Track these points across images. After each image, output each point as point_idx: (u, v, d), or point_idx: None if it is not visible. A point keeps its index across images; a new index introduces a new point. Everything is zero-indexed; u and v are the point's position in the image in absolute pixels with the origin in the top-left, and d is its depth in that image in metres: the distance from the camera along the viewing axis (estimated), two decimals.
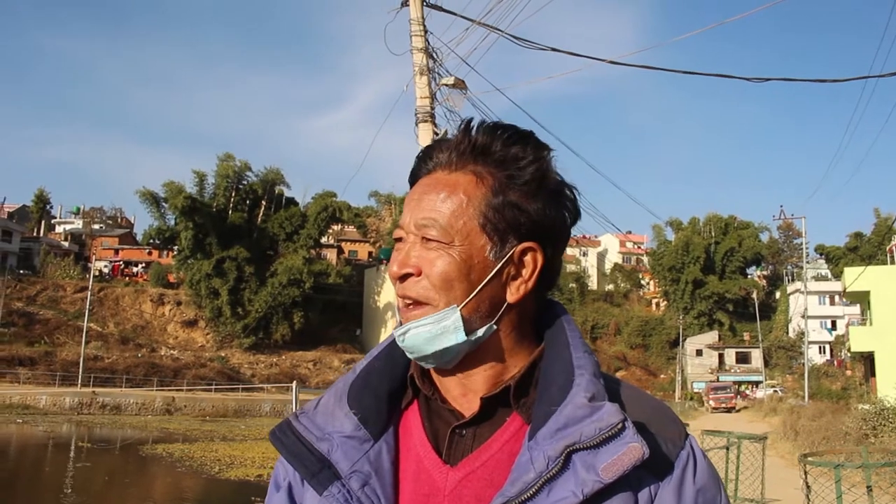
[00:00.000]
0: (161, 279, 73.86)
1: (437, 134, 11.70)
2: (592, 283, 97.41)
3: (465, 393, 1.11)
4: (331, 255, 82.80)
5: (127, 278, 78.11)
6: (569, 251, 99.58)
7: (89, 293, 58.44)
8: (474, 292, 1.06)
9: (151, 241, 75.92)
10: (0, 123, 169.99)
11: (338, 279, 74.13)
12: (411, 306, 1.08)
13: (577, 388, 1.04)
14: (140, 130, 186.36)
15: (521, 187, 1.08)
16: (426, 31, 11.81)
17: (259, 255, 68.26)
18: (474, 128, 1.12)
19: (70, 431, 37.55)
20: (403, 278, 1.08)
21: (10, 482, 22.83)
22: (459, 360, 1.09)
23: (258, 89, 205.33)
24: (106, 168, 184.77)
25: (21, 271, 72.77)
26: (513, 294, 1.09)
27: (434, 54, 11.88)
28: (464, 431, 1.09)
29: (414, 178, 1.16)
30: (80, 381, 50.58)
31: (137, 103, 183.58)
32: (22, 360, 54.06)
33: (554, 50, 11.92)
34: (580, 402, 1.02)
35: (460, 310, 1.05)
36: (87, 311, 56.52)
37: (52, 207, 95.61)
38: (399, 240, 1.11)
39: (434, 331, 1.05)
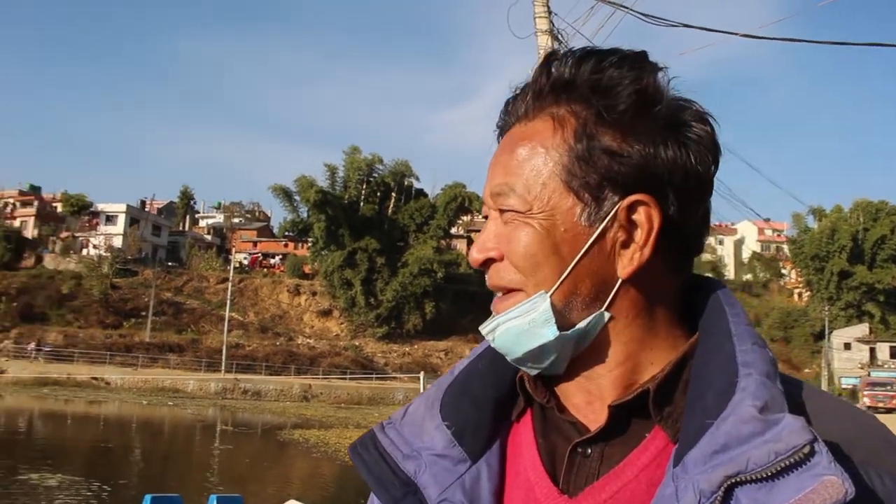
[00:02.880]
0: (297, 270, 76.21)
1: None
2: (729, 273, 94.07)
3: (590, 400, 0.83)
4: (461, 245, 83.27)
5: (265, 270, 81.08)
6: None
7: (230, 284, 61.04)
8: (567, 271, 0.79)
9: (287, 233, 78.54)
10: (148, 125, 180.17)
11: (468, 269, 74.47)
12: (501, 297, 0.83)
13: (741, 393, 0.72)
14: (275, 127, 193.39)
15: (615, 123, 0.79)
16: (550, 13, 11.63)
17: (390, 245, 69.44)
18: (556, 60, 0.83)
19: (215, 415, 39.50)
20: (486, 265, 0.84)
21: (163, 460, 24.27)
22: (573, 361, 0.82)
23: (388, 84, 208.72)
24: (244, 164, 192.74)
25: (169, 263, 76.78)
26: (625, 266, 0.79)
27: (559, 36, 11.68)
28: (588, 450, 0.81)
29: (499, 137, 0.89)
30: (223, 367, 53.06)
31: (272, 102, 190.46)
32: (171, 346, 57.16)
33: (685, 26, 11.45)
34: (746, 415, 0.70)
35: (550, 296, 0.79)
36: (228, 302, 59.02)
37: (195, 203, 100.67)
38: (485, 217, 0.86)
39: (522, 325, 0.80)
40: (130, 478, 20.36)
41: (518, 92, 0.86)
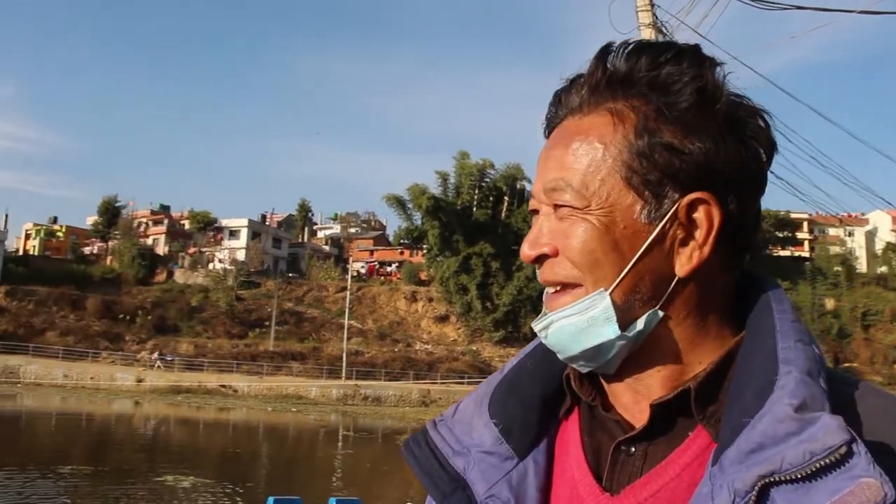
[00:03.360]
0: (413, 277, 77.19)
1: None
2: (861, 266, 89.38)
3: (637, 399, 0.82)
4: None
5: (382, 277, 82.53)
6: (832, 231, 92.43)
7: (348, 293, 62.53)
8: (626, 268, 0.78)
9: (402, 241, 79.64)
10: (266, 141, 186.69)
11: None
12: (555, 293, 0.82)
13: (779, 391, 0.71)
14: (387, 137, 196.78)
15: (676, 120, 0.77)
16: (653, 5, 11.40)
17: (504, 249, 69.37)
18: (612, 53, 0.82)
19: (337, 421, 40.50)
20: (539, 261, 0.82)
21: (288, 464, 25.00)
22: (623, 361, 0.81)
23: (496, 88, 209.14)
24: (358, 175, 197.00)
25: (290, 274, 79.18)
26: (683, 265, 0.78)
27: (662, 28, 11.44)
28: (632, 448, 0.81)
29: (545, 129, 0.88)
30: (343, 374, 54.34)
31: (382, 112, 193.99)
32: (294, 354, 58.94)
33: (798, 8, 11.03)
34: (782, 413, 0.69)
35: (610, 294, 0.78)
36: (347, 310, 60.46)
37: (313, 215, 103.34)
38: (534, 212, 0.85)
39: (580, 323, 0.78)
40: (257, 481, 21.14)
41: (569, 84, 0.85)
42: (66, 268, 73.49)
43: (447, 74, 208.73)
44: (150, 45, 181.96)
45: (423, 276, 76.76)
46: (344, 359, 55.45)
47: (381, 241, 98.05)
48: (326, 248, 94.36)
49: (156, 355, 55.76)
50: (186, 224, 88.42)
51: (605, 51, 0.82)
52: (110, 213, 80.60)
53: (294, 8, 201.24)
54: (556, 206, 0.81)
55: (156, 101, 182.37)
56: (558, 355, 0.82)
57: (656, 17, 11.54)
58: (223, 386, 50.49)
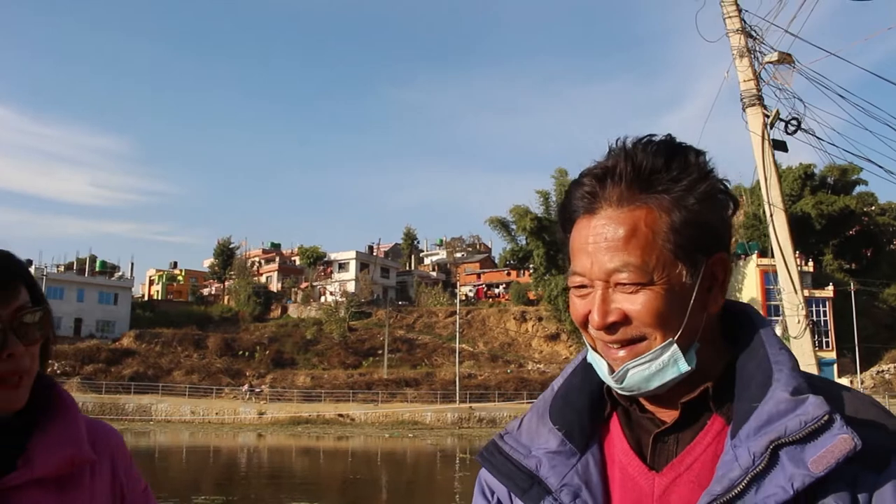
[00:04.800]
0: (521, 297, 77.10)
1: (766, 117, 11.12)
2: None
3: (664, 402, 1.10)
4: None
5: (490, 300, 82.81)
6: None
7: (458, 317, 62.96)
8: (685, 320, 1.04)
9: (508, 262, 79.83)
10: (370, 173, 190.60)
11: None
12: (620, 347, 1.07)
13: (777, 383, 1.02)
14: (484, 160, 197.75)
15: (697, 204, 1.05)
16: (740, 10, 11.29)
17: None
18: (628, 153, 1.08)
19: (453, 444, 40.72)
20: (610, 328, 1.06)
21: (408, 488, 25.37)
22: None
23: (592, 101, 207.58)
24: (461, 199, 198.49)
25: (400, 302, 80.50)
26: (713, 305, 1.08)
27: (752, 32, 11.29)
28: (666, 438, 1.10)
29: (570, 210, 1.12)
30: (457, 397, 54.57)
31: (479, 135, 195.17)
32: (408, 381, 59.60)
33: None
34: (781, 397, 1.00)
35: (676, 341, 1.04)
36: (457, 334, 60.86)
37: (418, 242, 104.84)
38: (581, 286, 1.09)
39: (654, 367, 1.04)
40: None
41: (601, 178, 1.08)
42: (187, 310, 76.96)
43: (541, 93, 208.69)
44: (252, 93, 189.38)
45: (531, 295, 76.54)
46: (457, 382, 55.75)
47: (488, 263, 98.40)
48: (434, 274, 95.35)
49: (246, 387, 57.92)
50: (297, 260, 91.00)
51: (628, 152, 1.08)
52: (225, 254, 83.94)
53: (385, 36, 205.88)
54: (615, 284, 1.05)
55: (260, 147, 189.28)
56: (628, 393, 1.08)
57: (744, 22, 11.43)
58: (340, 415, 51.55)
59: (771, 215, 10.87)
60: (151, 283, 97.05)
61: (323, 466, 32.51)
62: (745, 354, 1.10)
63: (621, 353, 1.07)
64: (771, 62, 11.24)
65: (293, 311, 76.77)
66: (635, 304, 1.04)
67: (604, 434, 1.17)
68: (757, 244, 61.51)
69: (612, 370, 1.08)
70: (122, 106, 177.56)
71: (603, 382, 1.14)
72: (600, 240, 1.06)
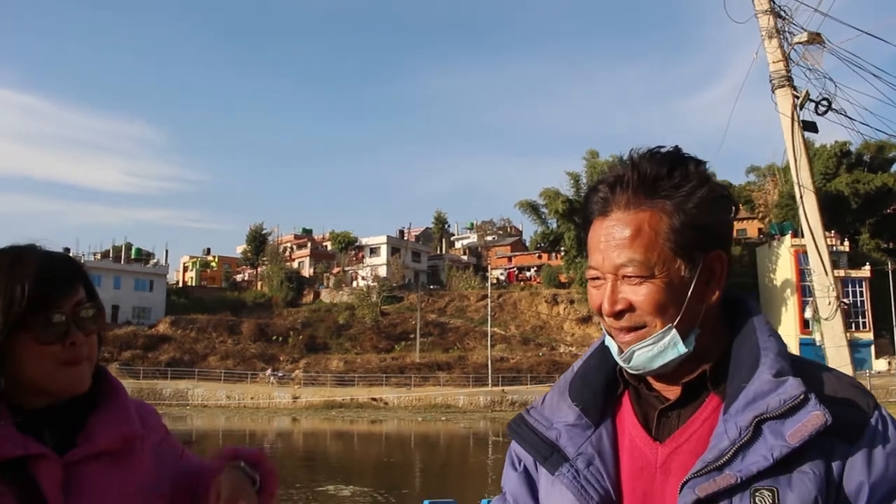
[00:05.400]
0: (553, 280, 76.88)
1: (796, 98, 11.03)
2: None
3: (670, 381, 1.25)
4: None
5: (521, 283, 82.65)
6: None
7: (489, 300, 63.05)
8: (682, 309, 1.19)
9: (539, 245, 79.53)
10: (398, 158, 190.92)
11: (737, 262, 71.41)
12: (626, 332, 1.22)
13: (763, 366, 1.18)
14: (514, 143, 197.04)
15: (695, 208, 1.20)
16: None
17: None
18: (635, 163, 1.24)
19: (486, 427, 40.94)
20: (618, 315, 1.22)
21: (441, 471, 25.62)
22: None
23: (622, 82, 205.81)
24: (491, 183, 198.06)
25: (431, 286, 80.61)
26: (710, 297, 1.23)
27: (781, 12, 11.17)
28: (669, 413, 1.25)
29: (588, 213, 1.28)
30: (489, 381, 54.80)
31: (508, 119, 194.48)
32: (440, 365, 59.88)
33: None
34: (766, 379, 1.16)
35: (675, 327, 1.19)
36: (489, 317, 60.99)
37: (449, 226, 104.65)
38: (595, 278, 1.26)
39: (656, 350, 1.20)
40: (412, 487, 21.83)
41: (612, 186, 1.24)
42: (221, 296, 77.81)
43: (571, 75, 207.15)
44: (283, 78, 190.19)
45: (563, 278, 76.31)
46: (489, 366, 55.93)
47: (519, 246, 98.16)
48: (465, 257, 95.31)
49: (269, 372, 58.66)
50: (328, 245, 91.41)
51: (634, 161, 1.23)
52: (257, 240, 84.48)
53: (415, 21, 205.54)
54: (626, 276, 1.21)
55: (290, 133, 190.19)
56: (636, 372, 1.24)
57: (773, 2, 11.31)
58: (373, 399, 52.04)
59: (801, 196, 10.80)
60: (185, 269, 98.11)
61: (357, 450, 32.92)
62: (739, 340, 1.24)
63: (628, 337, 1.22)
64: (800, 43, 11.11)
65: (325, 296, 77.31)
66: (639, 294, 1.20)
67: (616, 410, 1.32)
68: (790, 224, 60.66)
69: (621, 351, 1.24)
70: (155, 94, 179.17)
71: (617, 364, 1.30)
72: (610, 239, 1.22)
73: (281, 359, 62.36)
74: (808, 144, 11.45)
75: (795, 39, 11.14)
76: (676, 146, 1.26)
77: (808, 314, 52.45)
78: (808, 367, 1.23)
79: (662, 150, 1.24)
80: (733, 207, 1.26)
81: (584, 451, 1.27)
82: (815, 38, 11.08)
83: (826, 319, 10.49)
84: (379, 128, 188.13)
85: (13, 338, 1.40)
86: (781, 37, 11.15)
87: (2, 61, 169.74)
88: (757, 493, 1.11)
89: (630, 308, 1.21)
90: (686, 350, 1.20)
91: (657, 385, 1.27)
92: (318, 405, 50.69)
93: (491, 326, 60.67)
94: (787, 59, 11.14)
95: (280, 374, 58.52)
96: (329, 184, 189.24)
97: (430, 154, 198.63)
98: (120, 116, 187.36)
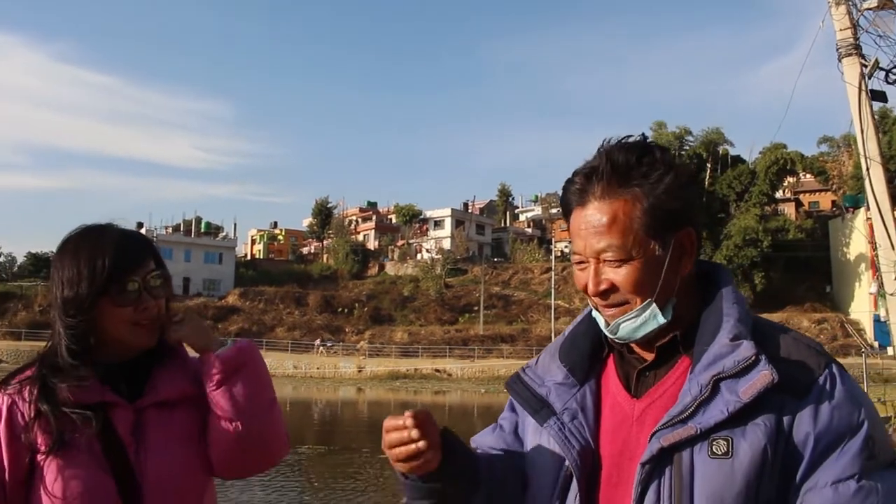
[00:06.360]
0: None
1: (864, 66, 10.73)
2: None
3: (647, 344, 1.40)
4: (788, 209, 77.96)
5: None
6: None
7: (553, 273, 62.83)
8: (658, 284, 1.33)
9: None
10: (464, 130, 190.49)
11: (798, 234, 69.60)
12: (611, 308, 1.37)
13: (723, 331, 1.31)
14: (580, 115, 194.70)
15: (664, 193, 1.32)
16: None
17: (710, 218, 66.84)
18: (608, 154, 1.36)
19: None
20: (602, 294, 1.36)
21: None
22: None
23: (690, 52, 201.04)
24: (555, 155, 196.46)
25: (495, 259, 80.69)
26: (683, 270, 1.37)
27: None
28: (647, 373, 1.40)
29: (567, 203, 1.42)
30: None
31: (574, 90, 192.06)
32: (504, 337, 59.99)
33: None
34: (724, 342, 1.29)
35: (654, 301, 1.34)
36: (552, 290, 60.82)
37: (513, 199, 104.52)
38: (580, 262, 1.39)
39: (639, 322, 1.34)
40: None
41: (588, 177, 1.36)
42: (288, 268, 79.27)
43: (638, 47, 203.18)
44: (350, 48, 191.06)
45: None
46: (552, 338, 55.52)
47: None
48: (529, 230, 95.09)
49: (318, 341, 59.77)
50: (393, 218, 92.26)
51: (607, 152, 1.36)
52: (323, 213, 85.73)
53: None
54: (604, 260, 1.34)
55: (356, 106, 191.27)
56: (621, 340, 1.38)
57: None
58: (437, 370, 52.54)
59: (867, 169, 10.55)
60: (253, 242, 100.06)
61: None
62: (708, 308, 1.38)
63: (612, 311, 1.37)
64: (870, 8, 10.80)
65: (390, 268, 78.06)
66: (619, 275, 1.34)
67: (601, 370, 1.48)
68: (864, 197, 58.71)
69: (607, 324, 1.38)
70: (224, 69, 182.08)
71: (600, 331, 1.46)
72: (589, 226, 1.35)
73: (346, 330, 63.30)
74: (880, 114, 11.13)
75: (865, 5, 10.83)
76: (643, 134, 1.40)
77: (873, 289, 50.58)
78: (769, 331, 1.35)
79: (630, 139, 1.38)
80: (697, 189, 1.40)
81: (569, 406, 1.43)
82: (887, 3, 10.75)
83: (892, 294, 10.27)
84: (445, 101, 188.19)
85: (96, 302, 1.70)
86: (850, 3, 10.84)
87: (79, 40, 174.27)
88: (714, 443, 1.23)
89: (613, 288, 1.35)
90: (665, 320, 1.34)
91: (637, 348, 1.42)
92: (383, 376, 51.41)
93: (555, 299, 60.46)
94: (854, 26, 10.85)
95: (329, 344, 59.50)
96: (394, 158, 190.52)
97: (496, 127, 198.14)
98: (190, 92, 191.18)
